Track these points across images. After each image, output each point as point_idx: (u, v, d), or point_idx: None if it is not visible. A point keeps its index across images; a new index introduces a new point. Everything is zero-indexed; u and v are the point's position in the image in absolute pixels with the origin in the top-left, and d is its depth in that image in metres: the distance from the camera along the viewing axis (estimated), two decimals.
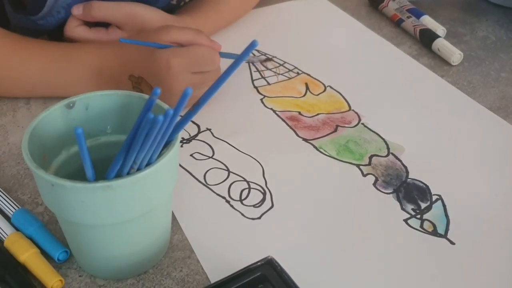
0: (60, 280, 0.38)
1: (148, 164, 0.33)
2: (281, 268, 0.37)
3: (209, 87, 0.53)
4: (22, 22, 0.63)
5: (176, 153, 0.35)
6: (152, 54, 0.50)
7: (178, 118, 0.33)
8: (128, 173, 0.33)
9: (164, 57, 0.49)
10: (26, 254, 0.39)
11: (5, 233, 0.41)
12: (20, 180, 0.47)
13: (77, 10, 0.56)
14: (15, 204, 0.43)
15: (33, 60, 0.53)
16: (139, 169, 0.33)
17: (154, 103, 0.29)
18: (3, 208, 0.43)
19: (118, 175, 0.32)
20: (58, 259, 0.40)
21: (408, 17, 0.71)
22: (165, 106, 0.36)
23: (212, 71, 0.52)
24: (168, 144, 0.35)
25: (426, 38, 0.68)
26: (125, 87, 0.51)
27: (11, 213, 0.42)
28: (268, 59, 0.63)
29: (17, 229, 0.41)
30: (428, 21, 0.71)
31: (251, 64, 0.64)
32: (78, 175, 0.34)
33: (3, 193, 0.44)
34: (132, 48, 0.51)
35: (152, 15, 0.56)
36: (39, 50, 0.54)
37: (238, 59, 0.29)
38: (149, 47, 0.51)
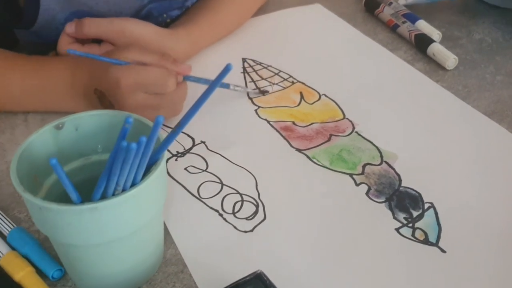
0: None
1: (134, 184, 0.34)
2: (269, 282, 0.37)
3: (169, 108, 0.52)
4: (27, 37, 0.65)
5: (162, 173, 0.36)
6: (106, 70, 0.50)
7: (164, 135, 0.33)
8: (113, 194, 0.33)
9: (114, 74, 0.49)
10: (21, 273, 0.40)
11: (1, 252, 0.41)
12: (17, 198, 0.48)
13: (69, 28, 0.57)
14: (11, 223, 0.44)
15: (16, 73, 0.55)
16: (124, 190, 0.33)
17: (128, 131, 0.30)
18: None
19: (103, 197, 0.33)
20: (52, 277, 0.41)
21: (403, 22, 0.71)
22: (149, 123, 0.36)
23: (168, 94, 0.50)
24: (155, 163, 0.35)
25: (422, 43, 0.68)
26: (94, 101, 0.52)
27: (7, 231, 0.43)
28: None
29: (13, 248, 0.42)
30: (423, 25, 0.71)
31: (246, 74, 0.64)
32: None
33: None
34: (96, 63, 0.51)
35: (143, 30, 0.57)
36: (21, 63, 0.55)
37: (214, 82, 0.30)
38: (108, 63, 0.50)
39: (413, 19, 0.72)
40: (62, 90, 0.54)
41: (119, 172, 0.30)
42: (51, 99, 0.55)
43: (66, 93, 0.54)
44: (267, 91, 0.61)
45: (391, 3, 0.75)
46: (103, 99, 0.50)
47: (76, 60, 0.55)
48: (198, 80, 0.53)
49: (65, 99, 0.54)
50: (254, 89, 0.61)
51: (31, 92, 0.55)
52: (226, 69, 0.29)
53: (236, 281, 0.37)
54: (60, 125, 0.39)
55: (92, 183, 0.36)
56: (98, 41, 0.59)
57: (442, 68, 0.65)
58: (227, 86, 0.58)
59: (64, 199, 0.33)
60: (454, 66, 0.65)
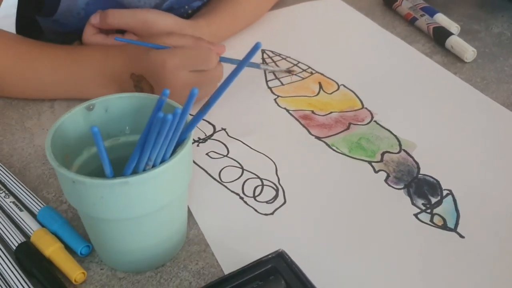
0: (83, 272, 0.40)
1: (163, 161, 0.35)
2: (291, 260, 0.38)
3: (209, 86, 0.55)
4: (49, 25, 0.66)
5: (189, 151, 0.37)
6: (150, 54, 0.52)
7: (190, 117, 0.35)
8: (144, 170, 0.34)
9: (160, 56, 0.51)
10: (51, 249, 0.41)
11: (31, 229, 0.43)
12: (45, 179, 0.50)
13: (94, 19, 0.58)
14: (40, 202, 0.46)
15: (44, 62, 0.56)
16: (154, 166, 0.35)
17: (164, 103, 0.31)
18: (29, 206, 0.46)
19: (135, 172, 0.34)
20: (80, 253, 0.42)
21: (421, 15, 0.72)
22: (176, 105, 0.38)
23: (210, 71, 0.53)
24: (182, 142, 0.37)
25: (440, 36, 0.68)
26: (127, 86, 0.54)
27: (37, 210, 0.45)
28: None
29: (42, 225, 0.44)
30: (441, 18, 0.72)
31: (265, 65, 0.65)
32: (98, 173, 0.36)
33: (29, 192, 0.47)
34: (133, 48, 0.54)
35: (166, 21, 0.58)
36: (50, 52, 0.57)
37: (243, 60, 0.31)
38: (148, 47, 0.52)
39: (431, 13, 0.72)
40: (92, 77, 0.55)
41: (153, 145, 0.32)
42: (81, 87, 0.56)
43: (97, 81, 0.55)
44: (293, 70, 0.64)
45: None
46: (140, 83, 0.51)
47: (106, 48, 0.56)
48: (232, 61, 0.56)
49: (96, 87, 0.55)
50: (286, 69, 0.64)
51: (61, 80, 0.56)
52: (256, 47, 0.30)
53: (259, 259, 0.39)
54: (91, 106, 0.40)
55: (119, 164, 0.38)
56: (121, 31, 0.61)
57: (461, 60, 0.66)
58: (258, 66, 0.61)
59: None
60: (473, 59, 0.65)
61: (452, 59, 0.66)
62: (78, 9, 0.62)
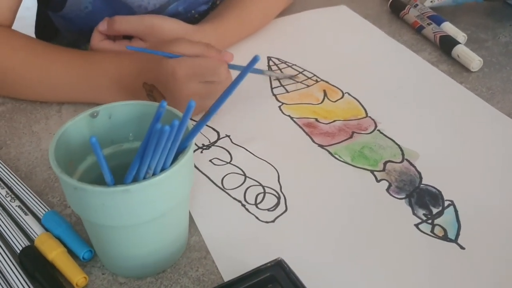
0: (85, 277, 0.41)
1: (163, 169, 0.36)
2: (289, 269, 0.38)
3: (217, 97, 0.56)
4: (59, 22, 0.67)
5: (190, 159, 0.37)
6: (160, 63, 0.52)
7: (191, 126, 0.35)
8: (144, 178, 0.35)
9: (170, 66, 0.51)
10: (54, 253, 0.42)
11: (36, 233, 0.44)
12: (51, 183, 0.51)
13: (102, 25, 0.59)
14: (45, 206, 0.46)
15: (58, 64, 0.57)
16: (154, 174, 0.35)
17: (162, 115, 0.32)
18: (34, 210, 0.46)
19: (135, 180, 0.35)
20: (83, 258, 0.43)
21: (428, 24, 0.72)
22: (179, 114, 0.38)
23: (218, 82, 0.53)
24: (183, 150, 0.37)
25: (446, 45, 0.68)
26: (141, 94, 0.54)
27: (42, 214, 0.46)
28: (294, 76, 0.64)
29: (46, 229, 0.45)
30: (448, 27, 0.71)
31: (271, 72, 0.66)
32: (102, 179, 0.37)
33: (35, 196, 0.47)
34: (145, 57, 0.54)
35: (172, 26, 0.59)
36: (64, 55, 0.57)
37: (242, 73, 0.31)
38: (159, 56, 0.53)
39: (438, 21, 0.72)
40: (107, 84, 0.56)
41: (152, 155, 0.32)
42: (95, 92, 0.56)
43: (112, 88, 0.56)
44: (296, 74, 0.64)
45: (416, 5, 0.76)
46: (152, 92, 0.52)
47: (120, 55, 0.57)
48: (240, 68, 0.56)
49: (110, 94, 0.55)
50: (291, 76, 0.64)
51: (74, 84, 0.57)
52: (254, 60, 0.30)
53: (257, 267, 0.39)
54: (95, 114, 0.41)
55: (122, 170, 0.38)
56: (128, 37, 0.61)
57: (467, 70, 0.65)
58: (261, 72, 0.62)
59: (96, 184, 0.35)
60: (479, 68, 0.65)
61: (458, 68, 0.66)
62: (85, 3, 0.63)
